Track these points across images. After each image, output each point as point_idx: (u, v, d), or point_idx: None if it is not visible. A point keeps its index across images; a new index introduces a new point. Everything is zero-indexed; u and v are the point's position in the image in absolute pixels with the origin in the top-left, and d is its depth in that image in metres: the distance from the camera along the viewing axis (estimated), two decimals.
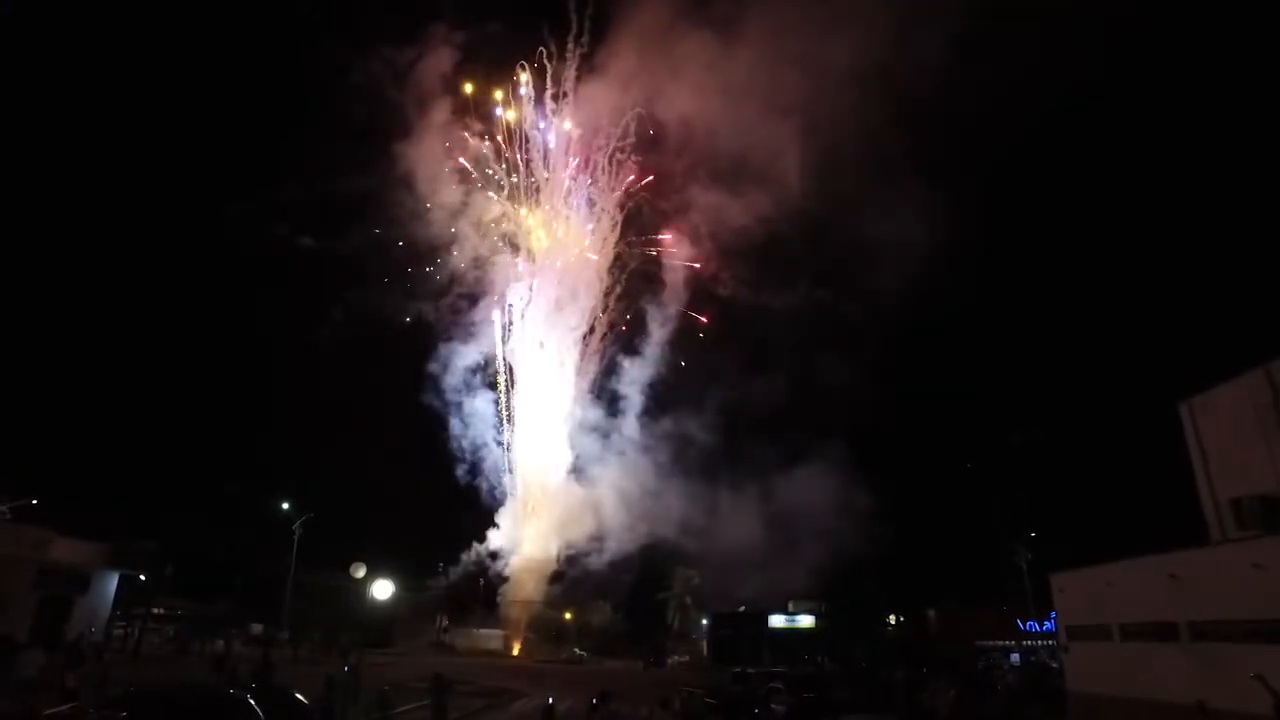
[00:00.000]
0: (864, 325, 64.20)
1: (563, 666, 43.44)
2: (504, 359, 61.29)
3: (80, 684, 14.83)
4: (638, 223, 62.50)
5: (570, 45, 59.36)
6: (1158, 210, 57.08)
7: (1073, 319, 64.22)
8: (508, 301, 61.69)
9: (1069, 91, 59.20)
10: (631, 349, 62.13)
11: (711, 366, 60.94)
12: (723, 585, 56.56)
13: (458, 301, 62.28)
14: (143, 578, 30.63)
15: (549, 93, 60.52)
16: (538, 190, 61.47)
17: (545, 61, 60.21)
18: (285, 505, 38.74)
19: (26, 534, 23.95)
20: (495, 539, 59.97)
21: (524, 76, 60.70)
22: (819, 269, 67.50)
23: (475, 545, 59.98)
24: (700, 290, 62.94)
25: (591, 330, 61.91)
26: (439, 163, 59.65)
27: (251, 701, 10.09)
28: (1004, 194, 67.26)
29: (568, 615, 57.49)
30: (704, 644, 56.67)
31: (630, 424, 61.27)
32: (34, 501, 39.93)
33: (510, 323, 61.51)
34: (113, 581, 27.93)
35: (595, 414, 62.00)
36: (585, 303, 60.96)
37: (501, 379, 61.08)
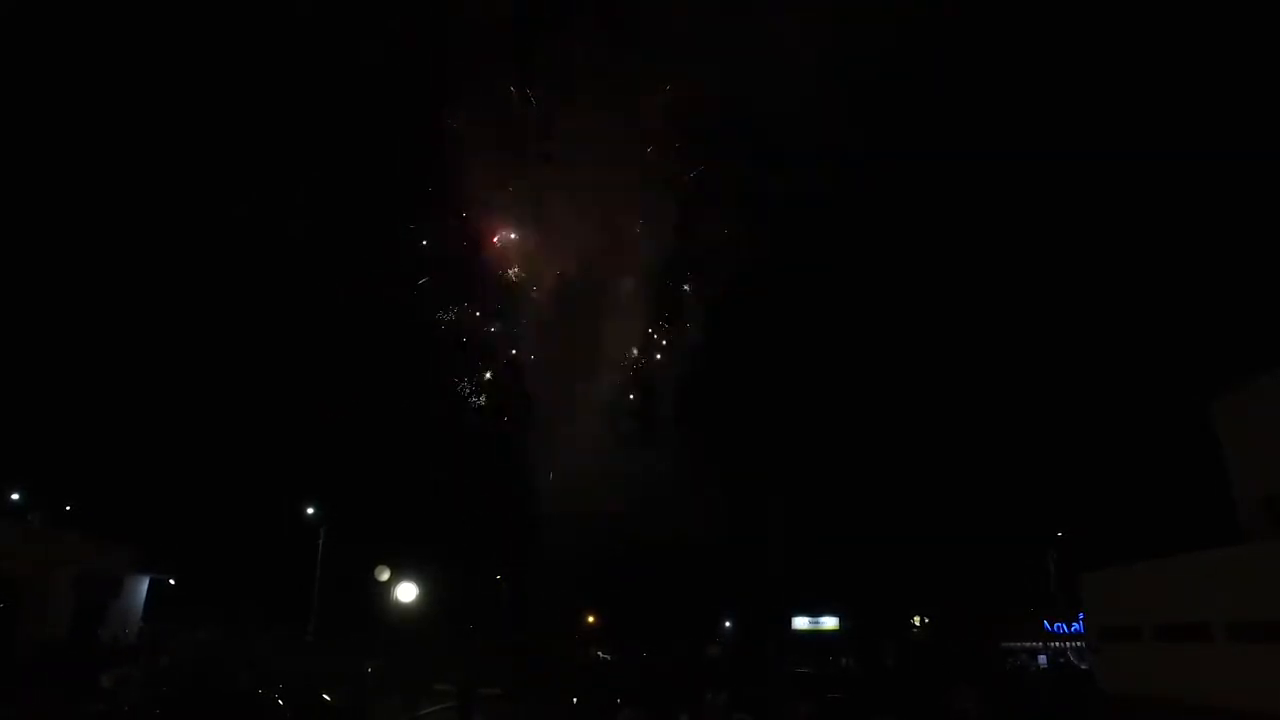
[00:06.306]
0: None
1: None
2: None
3: (116, 685, 15.16)
4: None
5: None
6: (1184, 202, 55.99)
7: (1098, 309, 62.89)
8: None
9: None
10: None
11: None
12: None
13: None
14: (172, 581, 31.34)
15: None
16: None
17: None
18: (310, 510, 39.15)
19: (64, 541, 24.64)
20: None
21: None
22: None
23: None
24: None
25: None
26: None
27: (280, 702, 10.27)
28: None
29: (591, 618, 57.66)
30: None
31: None
32: (67, 508, 40.96)
33: None
34: (144, 585, 28.51)
35: None
36: None
37: None
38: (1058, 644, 44.45)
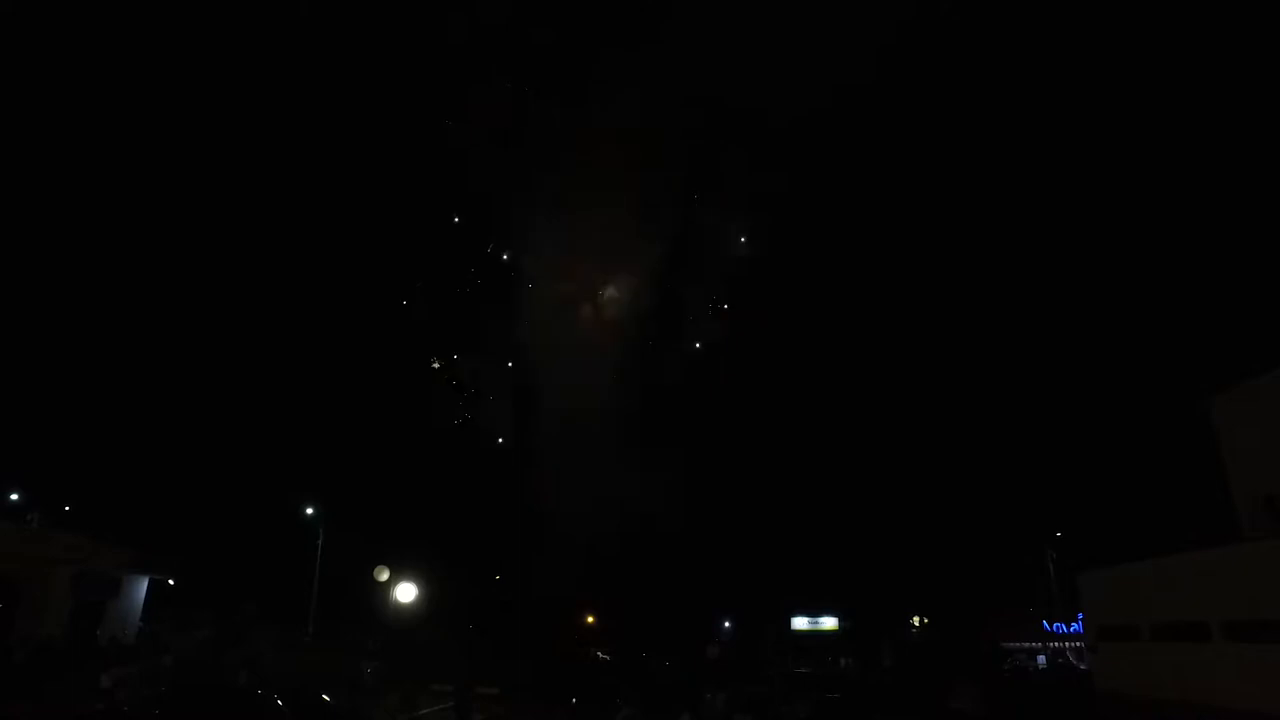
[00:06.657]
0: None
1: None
2: None
3: (115, 685, 15.17)
4: None
5: None
6: (1183, 202, 55.95)
7: (1098, 309, 62.76)
8: None
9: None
10: None
11: None
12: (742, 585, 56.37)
13: None
14: (171, 581, 31.32)
15: None
16: None
17: None
18: (309, 510, 39.17)
19: (63, 541, 24.63)
20: None
21: None
22: None
23: None
24: None
25: None
26: None
27: (279, 702, 10.27)
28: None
29: (590, 618, 57.66)
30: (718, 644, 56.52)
31: None
32: (67, 508, 40.98)
33: None
34: (143, 585, 28.49)
35: None
36: None
37: None
38: (1057, 644, 44.44)
